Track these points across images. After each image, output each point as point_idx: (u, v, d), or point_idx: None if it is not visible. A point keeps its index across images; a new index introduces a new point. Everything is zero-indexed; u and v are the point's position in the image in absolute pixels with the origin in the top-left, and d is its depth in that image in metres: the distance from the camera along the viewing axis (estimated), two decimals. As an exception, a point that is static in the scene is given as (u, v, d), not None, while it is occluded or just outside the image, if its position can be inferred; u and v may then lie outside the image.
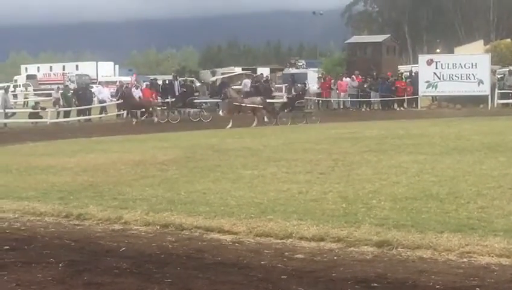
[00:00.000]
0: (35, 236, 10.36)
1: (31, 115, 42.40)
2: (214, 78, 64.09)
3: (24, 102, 51.32)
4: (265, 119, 35.62)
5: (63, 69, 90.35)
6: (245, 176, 14.69)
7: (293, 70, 70.05)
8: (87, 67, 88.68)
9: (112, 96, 47.28)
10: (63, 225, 11.13)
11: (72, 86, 55.07)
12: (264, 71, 69.53)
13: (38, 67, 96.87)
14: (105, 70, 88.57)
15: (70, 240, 9.97)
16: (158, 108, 41.73)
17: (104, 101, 45.87)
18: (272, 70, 76.40)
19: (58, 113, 42.79)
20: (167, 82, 47.85)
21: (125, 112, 42.24)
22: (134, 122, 38.71)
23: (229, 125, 33.23)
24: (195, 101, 43.34)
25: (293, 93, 41.03)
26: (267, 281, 7.67)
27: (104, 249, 9.35)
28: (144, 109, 40.43)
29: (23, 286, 7.67)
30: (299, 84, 44.55)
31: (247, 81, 49.56)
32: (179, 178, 14.84)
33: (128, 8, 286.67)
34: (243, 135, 25.44)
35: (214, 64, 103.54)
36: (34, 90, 69.49)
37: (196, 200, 12.13)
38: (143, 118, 39.86)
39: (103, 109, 45.25)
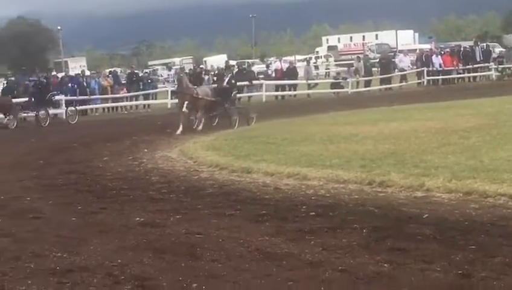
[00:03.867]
0: (339, 203, 10.69)
1: (333, 85, 43.44)
2: (517, 42, 61.60)
3: (326, 73, 52.62)
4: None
5: (363, 39, 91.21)
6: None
7: None
8: (386, 36, 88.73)
9: (412, 64, 47.09)
10: (366, 192, 11.37)
11: (372, 55, 55.52)
12: None
13: (338, 38, 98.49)
14: (405, 39, 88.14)
15: (373, 207, 10.18)
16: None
17: (404, 70, 45.82)
18: None
19: (358, 82, 43.43)
20: (467, 48, 46.58)
21: None
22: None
23: (179, 130, 23.40)
24: (54, 98, 33.11)
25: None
26: None
27: (406, 216, 9.46)
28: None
29: (329, 250, 7.95)
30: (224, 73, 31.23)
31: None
32: (481, 145, 14.54)
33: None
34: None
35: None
36: (335, 60, 70.75)
37: (500, 167, 11.83)
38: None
39: (403, 78, 45.22)
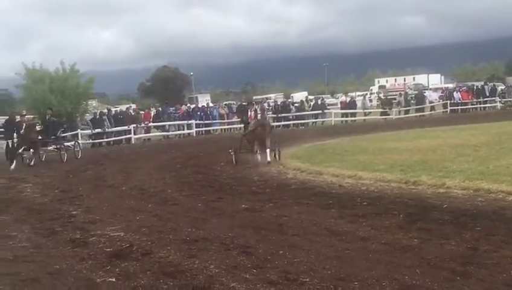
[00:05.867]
0: (384, 196, 10.59)
1: (382, 113, 42.94)
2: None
3: (377, 104, 51.89)
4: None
5: (404, 81, 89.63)
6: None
7: None
8: (421, 79, 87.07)
9: (439, 98, 46.14)
10: (403, 188, 11.22)
11: (410, 92, 54.53)
12: None
13: (386, 80, 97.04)
14: (434, 80, 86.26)
15: (408, 199, 10.06)
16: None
17: (433, 102, 45.00)
18: None
19: (400, 111, 42.77)
20: (479, 86, 45.07)
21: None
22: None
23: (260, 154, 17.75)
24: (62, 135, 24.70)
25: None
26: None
27: (432, 206, 9.32)
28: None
29: (375, 229, 7.93)
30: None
31: None
32: (488, 156, 14.18)
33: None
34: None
35: None
36: (384, 96, 69.79)
37: (501, 172, 11.53)
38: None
39: (432, 108, 44.38)
